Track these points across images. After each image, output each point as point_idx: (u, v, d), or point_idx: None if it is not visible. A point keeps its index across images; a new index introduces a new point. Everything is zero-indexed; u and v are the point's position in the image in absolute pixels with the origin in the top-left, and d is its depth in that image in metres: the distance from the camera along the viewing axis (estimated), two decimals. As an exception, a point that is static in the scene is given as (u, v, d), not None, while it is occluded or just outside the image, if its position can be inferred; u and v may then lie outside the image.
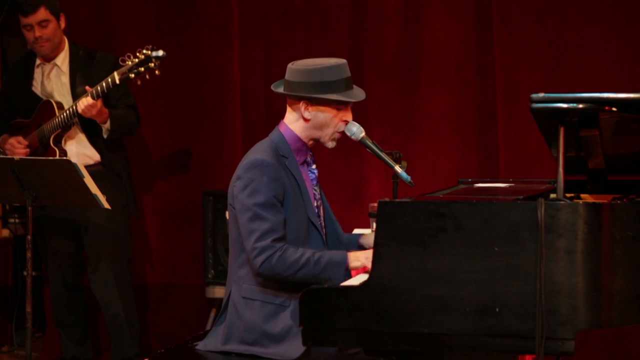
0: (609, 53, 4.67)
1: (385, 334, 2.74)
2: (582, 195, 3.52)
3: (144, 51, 4.36)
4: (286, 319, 3.23)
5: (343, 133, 3.37)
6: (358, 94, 3.35)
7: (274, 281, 3.27)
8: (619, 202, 2.77)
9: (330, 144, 3.39)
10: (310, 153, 3.46)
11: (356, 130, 3.36)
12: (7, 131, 4.84)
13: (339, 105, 3.32)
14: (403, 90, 5.01)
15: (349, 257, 3.24)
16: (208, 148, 5.35)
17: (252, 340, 3.27)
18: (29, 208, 4.23)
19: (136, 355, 4.83)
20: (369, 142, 3.36)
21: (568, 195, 3.20)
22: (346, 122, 3.34)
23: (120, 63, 4.40)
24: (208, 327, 4.98)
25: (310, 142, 3.40)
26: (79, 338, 4.98)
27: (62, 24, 4.80)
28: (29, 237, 4.25)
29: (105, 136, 4.68)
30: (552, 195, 2.87)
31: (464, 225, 2.68)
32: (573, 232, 2.64)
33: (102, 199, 4.19)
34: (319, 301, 2.79)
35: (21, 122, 4.83)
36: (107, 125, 4.63)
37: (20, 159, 4.21)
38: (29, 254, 4.24)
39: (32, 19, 4.69)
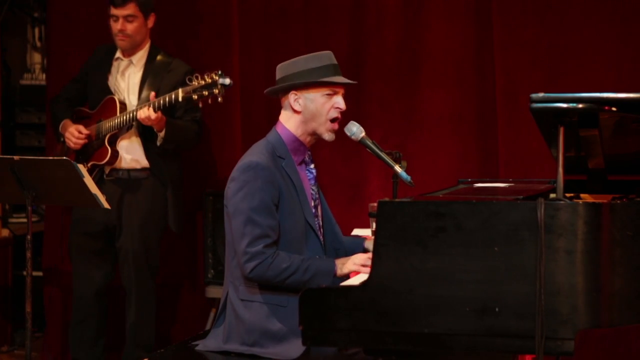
0: (609, 53, 4.67)
1: (385, 334, 2.74)
2: (582, 195, 3.52)
3: (213, 75, 4.33)
4: (285, 319, 3.23)
5: (343, 132, 3.37)
6: (342, 78, 3.35)
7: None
8: (618, 202, 2.78)
9: (327, 136, 3.37)
10: (309, 152, 3.46)
11: (356, 130, 3.36)
12: (71, 117, 4.81)
13: (327, 92, 3.32)
14: (403, 90, 5.01)
15: (337, 265, 3.25)
16: (208, 148, 5.35)
17: (252, 341, 3.27)
18: (29, 208, 4.23)
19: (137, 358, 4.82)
20: (369, 142, 3.36)
21: (568, 195, 3.20)
22: (339, 109, 3.34)
23: (187, 82, 4.38)
24: (208, 327, 4.98)
25: (308, 140, 3.40)
26: (94, 337, 4.92)
27: (150, 24, 4.76)
28: (28, 237, 4.24)
29: (158, 144, 4.64)
30: (552, 195, 2.87)
31: (464, 225, 2.69)
32: (573, 232, 2.64)
33: (102, 198, 4.19)
34: (318, 301, 2.79)
35: (85, 111, 4.81)
36: (162, 133, 4.59)
37: (21, 158, 4.21)
38: (28, 254, 4.24)
39: (120, 11, 4.64)
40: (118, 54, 4.80)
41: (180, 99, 4.39)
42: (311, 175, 3.46)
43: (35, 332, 5.55)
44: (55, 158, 4.18)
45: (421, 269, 2.70)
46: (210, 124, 5.33)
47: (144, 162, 4.73)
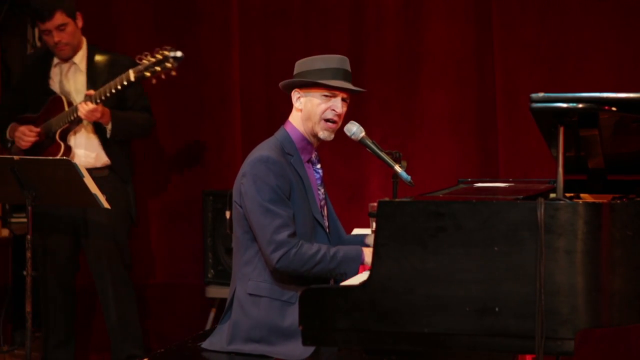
0: (609, 53, 4.67)
1: (385, 334, 2.74)
2: (582, 195, 3.52)
3: (162, 51, 4.38)
4: (294, 315, 3.21)
5: (343, 132, 3.38)
6: (344, 83, 3.35)
7: (282, 277, 3.27)
8: (618, 201, 2.77)
9: (322, 134, 3.37)
10: (316, 152, 3.47)
11: (356, 130, 3.36)
12: (17, 122, 4.82)
13: (326, 93, 3.33)
14: (403, 90, 5.01)
15: (364, 252, 3.26)
16: (208, 148, 5.35)
17: (258, 337, 3.27)
18: (29, 208, 4.23)
19: (129, 357, 4.82)
20: (368, 142, 3.36)
21: (568, 195, 3.20)
22: (334, 112, 3.34)
23: (137, 61, 4.41)
24: (208, 327, 4.98)
25: (313, 140, 3.41)
26: (64, 340, 4.94)
27: (80, 23, 4.79)
28: (28, 236, 4.24)
29: (108, 136, 4.68)
30: (552, 195, 2.87)
31: (464, 225, 2.68)
32: (573, 232, 2.64)
33: (102, 198, 4.19)
34: (318, 300, 2.79)
35: (28, 116, 4.82)
36: (110, 126, 4.64)
37: (21, 158, 4.21)
38: (28, 254, 4.24)
39: (50, 25, 4.68)
40: (57, 60, 4.83)
41: (132, 79, 4.43)
42: (318, 175, 3.47)
43: (35, 332, 5.54)
44: (56, 158, 4.18)
45: (421, 269, 2.70)
46: (211, 124, 5.34)
47: (104, 159, 4.76)
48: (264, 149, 3.33)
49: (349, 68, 3.39)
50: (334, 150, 4.83)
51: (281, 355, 3.23)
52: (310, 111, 3.35)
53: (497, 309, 2.66)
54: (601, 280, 2.66)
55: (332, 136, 3.39)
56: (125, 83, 4.45)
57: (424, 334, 2.71)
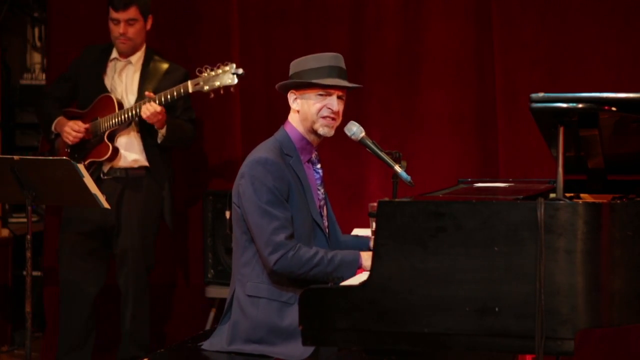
0: (609, 53, 4.67)
1: (385, 334, 2.74)
2: (582, 195, 3.52)
3: (223, 66, 4.36)
4: (293, 316, 3.22)
5: (343, 132, 3.38)
6: (339, 80, 3.34)
7: (281, 279, 3.27)
8: (618, 201, 2.77)
9: (322, 130, 3.36)
10: (316, 152, 3.47)
11: (356, 130, 3.36)
12: (64, 116, 4.80)
13: (320, 92, 3.33)
14: (402, 90, 5.01)
15: (362, 256, 3.26)
16: (208, 148, 5.35)
17: (258, 337, 3.27)
18: (28, 207, 4.23)
19: (133, 358, 4.82)
20: (368, 142, 3.36)
21: (568, 195, 3.20)
22: (330, 110, 3.34)
23: (197, 73, 4.40)
24: (208, 327, 4.98)
25: (312, 138, 3.41)
26: (80, 342, 4.92)
27: (148, 26, 4.79)
28: (28, 236, 4.24)
29: (159, 141, 4.66)
30: (552, 195, 2.87)
31: (464, 225, 2.68)
32: (573, 232, 2.64)
33: (102, 198, 4.19)
34: (318, 301, 2.79)
35: (74, 111, 4.81)
36: (164, 131, 4.62)
37: (21, 158, 4.21)
38: (28, 254, 4.24)
39: (122, 15, 4.67)
40: (115, 55, 4.81)
41: (190, 90, 4.42)
42: (317, 176, 3.47)
43: (35, 332, 5.55)
44: (56, 158, 4.18)
45: (421, 269, 2.70)
46: (210, 124, 5.33)
47: (142, 161, 4.74)
48: (263, 151, 3.33)
49: (343, 65, 3.39)
50: (334, 150, 4.83)
51: (281, 356, 3.23)
52: (307, 111, 3.35)
53: (497, 309, 2.66)
54: (601, 280, 2.66)
55: (332, 132, 3.39)
56: (182, 93, 4.43)
57: (424, 334, 2.71)
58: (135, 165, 4.72)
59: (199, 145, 5.35)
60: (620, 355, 4.70)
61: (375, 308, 2.73)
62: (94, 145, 4.70)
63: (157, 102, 4.48)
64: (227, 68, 4.37)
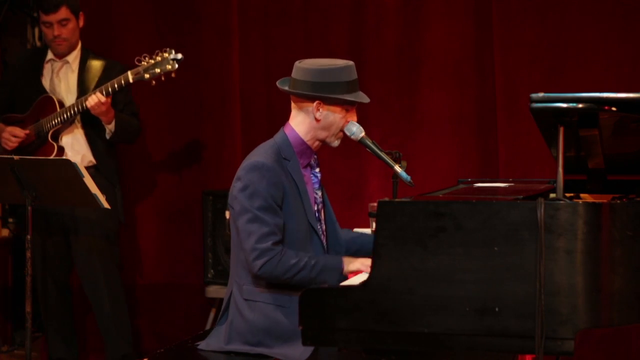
0: (609, 53, 4.67)
1: (385, 334, 2.74)
2: (582, 195, 3.52)
3: (162, 53, 4.38)
4: (289, 319, 3.23)
5: (343, 132, 3.38)
6: (365, 95, 3.38)
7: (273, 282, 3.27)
8: (618, 201, 2.77)
9: (336, 143, 3.40)
10: (315, 156, 3.45)
11: (356, 130, 3.36)
12: (3, 121, 4.81)
13: (347, 106, 3.33)
14: (403, 90, 5.01)
15: (344, 261, 3.27)
16: (208, 148, 5.35)
17: (255, 341, 3.27)
18: (29, 208, 4.23)
19: (125, 356, 4.82)
20: (368, 142, 3.36)
21: (568, 195, 3.20)
22: (350, 122, 3.35)
23: (136, 63, 4.41)
24: (208, 327, 4.98)
25: (316, 144, 3.39)
26: (67, 338, 4.95)
27: (81, 23, 4.81)
28: (28, 236, 4.25)
29: (107, 137, 4.68)
30: (552, 195, 2.87)
31: (464, 225, 2.68)
32: (573, 232, 2.64)
33: (102, 198, 4.19)
34: (318, 301, 2.79)
35: (14, 116, 4.81)
36: (112, 126, 4.63)
37: (21, 158, 4.21)
38: (28, 254, 4.24)
39: (53, 17, 4.69)
40: (50, 56, 4.83)
41: (130, 80, 4.43)
42: (315, 179, 3.46)
43: (35, 332, 5.55)
44: (56, 158, 4.18)
45: (421, 269, 2.70)
46: (210, 124, 5.33)
47: (89, 158, 4.75)
48: (260, 154, 3.32)
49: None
50: (334, 150, 4.80)
51: (280, 356, 3.23)
52: (331, 123, 3.33)
53: (497, 309, 2.66)
54: (601, 280, 2.66)
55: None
56: (123, 83, 4.44)
57: (424, 334, 2.71)
58: (84, 164, 4.70)
59: (198, 145, 5.35)
60: (620, 355, 4.70)
61: (375, 308, 2.73)
62: (39, 146, 4.70)
63: (101, 92, 4.48)
64: (165, 55, 4.40)
